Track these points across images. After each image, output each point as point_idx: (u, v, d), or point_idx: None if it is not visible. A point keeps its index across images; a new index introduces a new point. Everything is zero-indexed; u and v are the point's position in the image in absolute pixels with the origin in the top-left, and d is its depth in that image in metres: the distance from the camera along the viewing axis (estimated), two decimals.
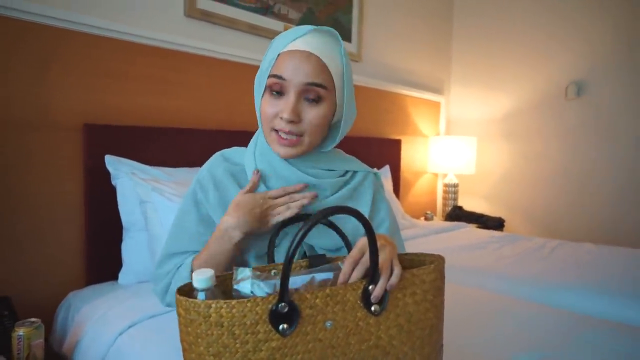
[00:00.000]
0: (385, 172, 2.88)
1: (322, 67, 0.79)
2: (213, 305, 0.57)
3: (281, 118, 0.78)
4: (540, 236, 3.21)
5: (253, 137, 0.92)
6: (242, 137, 2.22)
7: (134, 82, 1.76)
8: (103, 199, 1.63)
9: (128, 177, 1.57)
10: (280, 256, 0.82)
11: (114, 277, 1.61)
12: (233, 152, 0.92)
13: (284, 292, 0.58)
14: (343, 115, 0.86)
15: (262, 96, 0.81)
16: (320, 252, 0.84)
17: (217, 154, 0.92)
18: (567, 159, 3.24)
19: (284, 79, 0.78)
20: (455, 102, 3.85)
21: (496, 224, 3.26)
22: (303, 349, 0.61)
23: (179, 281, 0.80)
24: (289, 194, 0.83)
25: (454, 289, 1.68)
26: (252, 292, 0.65)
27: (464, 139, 3.36)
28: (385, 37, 3.13)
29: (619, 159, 3.02)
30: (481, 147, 3.63)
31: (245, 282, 0.65)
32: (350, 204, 0.89)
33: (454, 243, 2.42)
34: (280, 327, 0.59)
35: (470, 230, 2.86)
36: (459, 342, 1.18)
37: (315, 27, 0.80)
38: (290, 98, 0.78)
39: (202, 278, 0.59)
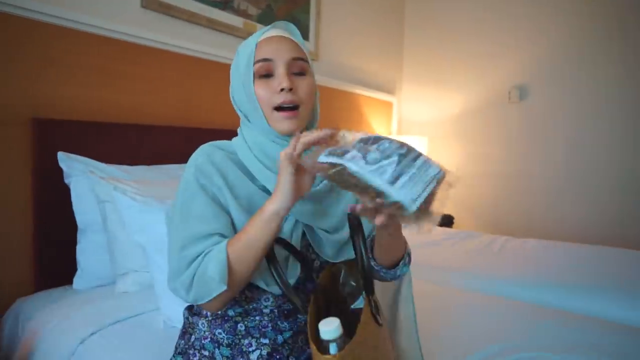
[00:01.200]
0: None
1: (299, 47, 0.87)
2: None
3: (281, 90, 0.82)
4: (486, 232, 3.37)
5: (239, 134, 0.91)
6: (198, 134, 2.16)
7: (88, 75, 1.66)
8: (54, 198, 1.53)
9: (84, 175, 1.48)
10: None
11: (68, 282, 1.51)
12: (222, 143, 0.91)
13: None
14: (316, 96, 0.93)
15: (254, 84, 0.83)
16: (319, 232, 0.86)
17: (207, 144, 0.89)
18: (510, 160, 3.43)
19: (270, 60, 0.83)
20: (407, 102, 3.95)
21: (446, 221, 3.39)
22: None
23: (214, 264, 0.73)
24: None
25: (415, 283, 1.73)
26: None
27: (415, 139, 3.46)
28: (341, 36, 3.15)
29: (556, 160, 3.23)
30: (432, 146, 3.75)
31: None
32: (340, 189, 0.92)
33: (408, 240, 2.48)
34: None
35: None
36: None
37: (275, 23, 0.88)
38: (280, 72, 0.83)
39: (330, 329, 0.60)
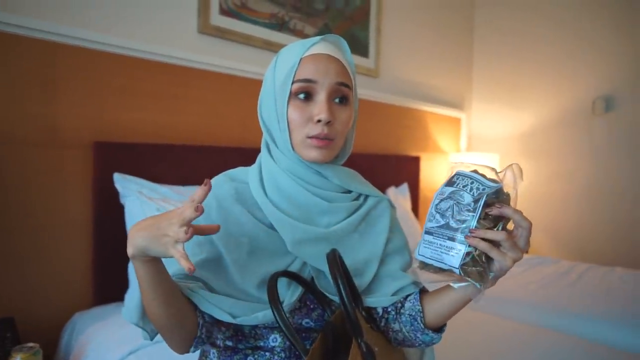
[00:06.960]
0: (404, 190, 2.80)
1: (345, 70, 0.79)
2: None
3: (318, 121, 0.75)
4: (567, 259, 3.07)
5: (257, 160, 0.87)
6: (255, 155, 2.17)
7: (146, 99, 1.74)
8: (112, 217, 1.60)
9: (135, 195, 1.54)
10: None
11: (121, 299, 1.57)
12: (238, 171, 0.87)
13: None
14: (353, 125, 0.85)
15: (288, 105, 0.76)
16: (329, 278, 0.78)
17: (221, 174, 0.87)
18: (595, 178, 3.11)
19: (313, 81, 0.76)
20: (477, 118, 3.75)
21: None
22: None
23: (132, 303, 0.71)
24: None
25: (473, 316, 1.59)
26: None
27: (485, 156, 3.26)
28: (403, 52, 3.07)
29: None
30: (503, 164, 3.51)
31: None
32: (365, 228, 0.84)
33: None
34: None
35: None
36: None
37: (325, 35, 0.80)
38: (322, 99, 0.75)
39: None
